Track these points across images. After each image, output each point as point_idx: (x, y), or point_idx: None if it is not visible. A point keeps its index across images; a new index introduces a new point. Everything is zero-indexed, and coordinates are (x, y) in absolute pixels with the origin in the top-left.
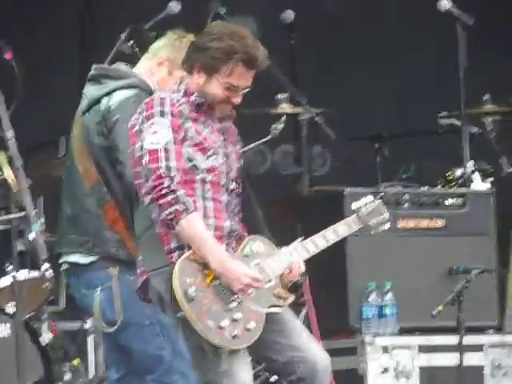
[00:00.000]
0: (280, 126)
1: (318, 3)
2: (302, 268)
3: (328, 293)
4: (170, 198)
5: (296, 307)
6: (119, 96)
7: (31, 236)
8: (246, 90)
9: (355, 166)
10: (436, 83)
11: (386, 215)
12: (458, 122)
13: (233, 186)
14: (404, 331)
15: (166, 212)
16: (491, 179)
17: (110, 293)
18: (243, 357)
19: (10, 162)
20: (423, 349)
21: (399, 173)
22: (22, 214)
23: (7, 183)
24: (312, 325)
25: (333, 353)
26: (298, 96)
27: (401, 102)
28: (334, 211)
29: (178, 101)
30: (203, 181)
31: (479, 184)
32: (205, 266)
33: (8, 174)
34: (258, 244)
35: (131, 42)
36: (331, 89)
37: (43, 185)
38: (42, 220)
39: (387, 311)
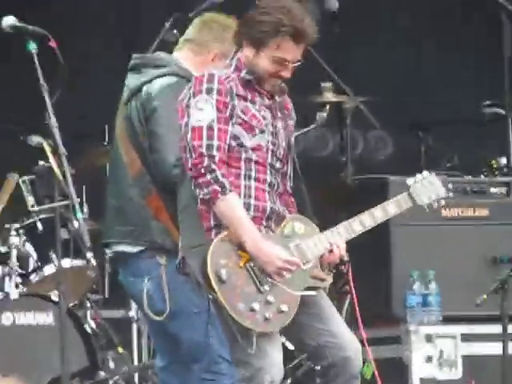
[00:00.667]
0: (324, 114)
1: None
2: (343, 250)
3: (372, 281)
4: (208, 177)
5: (340, 295)
6: (159, 84)
7: (75, 224)
8: (297, 63)
9: (400, 154)
10: (480, 72)
11: (442, 191)
12: (502, 111)
13: (278, 165)
14: (447, 320)
15: (204, 191)
16: None
17: (158, 281)
18: (275, 337)
19: (54, 151)
20: (466, 338)
21: (443, 161)
22: (66, 202)
23: (52, 171)
24: (355, 313)
25: (376, 341)
26: (342, 85)
27: (445, 91)
28: (378, 200)
29: (227, 77)
30: (249, 160)
31: None
32: (240, 246)
33: (52, 162)
34: (299, 224)
35: (175, 30)
36: (374, 78)
37: (87, 174)
38: (86, 209)
39: (431, 300)
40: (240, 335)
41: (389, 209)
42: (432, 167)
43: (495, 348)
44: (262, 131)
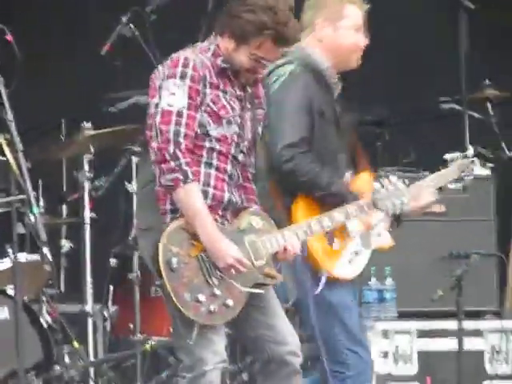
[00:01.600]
0: None
1: None
2: (297, 249)
3: None
4: (172, 164)
5: None
6: (280, 71)
7: (31, 219)
8: (273, 62)
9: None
10: (437, 68)
11: (406, 198)
12: (459, 107)
13: (241, 157)
14: (403, 316)
15: (166, 177)
16: (491, 165)
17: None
18: (220, 327)
19: (10, 144)
20: (422, 333)
21: (400, 157)
22: (22, 196)
23: (7, 165)
24: None
25: None
26: None
27: (402, 87)
28: None
29: (202, 63)
30: (212, 149)
31: (479, 169)
32: (194, 236)
33: (8, 156)
34: (257, 219)
35: (131, 25)
36: None
37: (43, 167)
38: (42, 203)
39: (387, 296)
40: (182, 324)
41: (349, 211)
42: (389, 163)
43: (451, 344)
44: (229, 122)
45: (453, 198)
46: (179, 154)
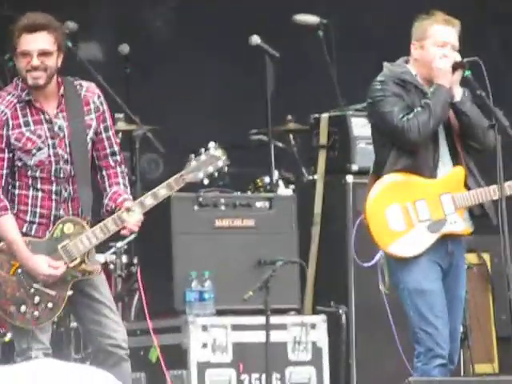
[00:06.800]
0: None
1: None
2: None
3: (157, 280)
4: None
5: (130, 292)
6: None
7: None
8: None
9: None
10: (248, 104)
11: (220, 162)
12: (265, 138)
13: (63, 173)
14: (220, 313)
15: None
16: (293, 186)
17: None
18: (36, 334)
19: None
20: (236, 327)
21: (216, 180)
22: None
23: None
24: (143, 307)
25: (161, 331)
26: (132, 116)
27: (219, 120)
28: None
29: (7, 105)
30: (34, 176)
31: (283, 190)
32: (12, 257)
33: None
34: (68, 226)
35: None
36: (160, 109)
37: None
38: None
39: (206, 296)
40: (15, 332)
41: (160, 193)
42: (207, 185)
43: (260, 336)
44: (39, 149)
45: (261, 214)
46: None
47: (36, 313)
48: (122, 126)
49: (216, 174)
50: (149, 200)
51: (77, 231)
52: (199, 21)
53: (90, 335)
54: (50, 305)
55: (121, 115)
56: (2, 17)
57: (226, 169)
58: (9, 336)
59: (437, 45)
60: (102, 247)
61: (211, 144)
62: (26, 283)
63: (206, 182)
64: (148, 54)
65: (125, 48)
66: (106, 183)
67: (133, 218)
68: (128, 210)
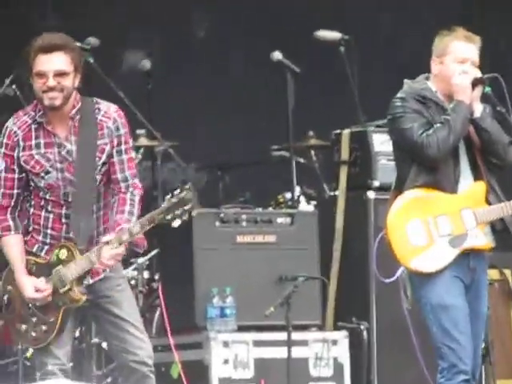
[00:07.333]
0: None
1: None
2: (110, 261)
3: (178, 296)
4: None
5: (152, 308)
6: None
7: None
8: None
9: (201, 190)
10: (269, 120)
11: (188, 205)
12: (287, 154)
13: (71, 197)
14: (241, 329)
15: None
16: (314, 202)
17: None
18: (59, 341)
19: None
20: (257, 343)
21: (237, 196)
22: None
23: None
24: (165, 323)
25: (182, 347)
26: (153, 131)
27: (241, 137)
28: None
29: (20, 126)
30: (45, 198)
31: (305, 206)
32: None
33: None
34: (63, 251)
35: (14, 85)
36: (183, 126)
37: None
38: None
39: (227, 312)
40: (33, 347)
41: (134, 230)
42: (228, 201)
43: (281, 352)
44: (48, 172)
45: (283, 230)
46: None
47: (33, 333)
48: (143, 141)
49: (184, 217)
50: (125, 236)
51: (69, 258)
52: (222, 38)
53: (114, 351)
54: (44, 327)
55: (142, 131)
56: (47, 27)
57: (195, 213)
58: (30, 351)
59: (457, 61)
60: (123, 263)
61: (187, 185)
62: (27, 304)
63: (175, 224)
64: (167, 68)
65: (146, 64)
66: (114, 210)
67: (106, 253)
68: (106, 243)
